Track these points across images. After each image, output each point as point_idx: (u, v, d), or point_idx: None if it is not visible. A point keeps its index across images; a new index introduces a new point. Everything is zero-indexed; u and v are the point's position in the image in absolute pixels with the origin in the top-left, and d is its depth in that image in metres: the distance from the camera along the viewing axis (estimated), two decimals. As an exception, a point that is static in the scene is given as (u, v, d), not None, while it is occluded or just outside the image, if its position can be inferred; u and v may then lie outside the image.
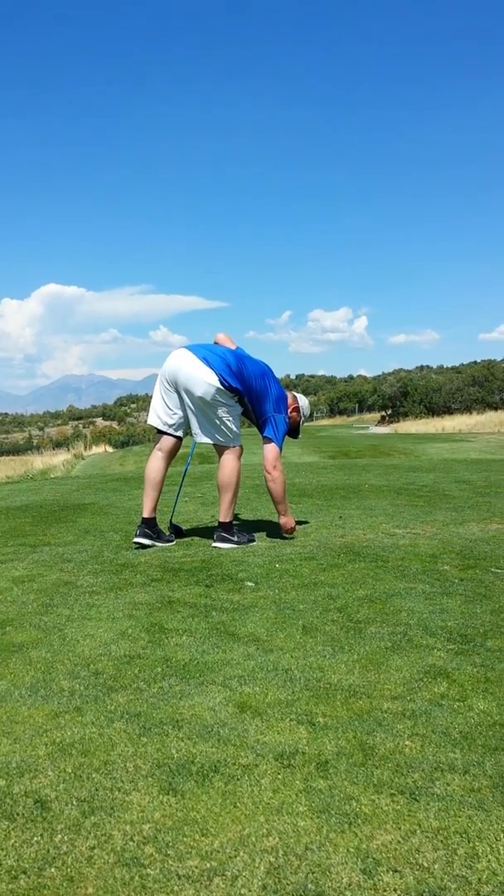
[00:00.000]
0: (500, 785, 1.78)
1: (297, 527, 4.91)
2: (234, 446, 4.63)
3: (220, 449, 4.64)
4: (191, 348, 4.58)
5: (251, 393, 4.59)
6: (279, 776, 1.83)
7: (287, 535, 4.79)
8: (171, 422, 4.63)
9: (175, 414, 4.61)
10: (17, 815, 1.70)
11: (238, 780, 1.82)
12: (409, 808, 1.69)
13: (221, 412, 4.49)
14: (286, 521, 4.79)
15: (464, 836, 1.59)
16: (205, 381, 4.40)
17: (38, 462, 25.26)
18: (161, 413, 4.65)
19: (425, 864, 1.50)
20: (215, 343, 4.80)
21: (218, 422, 4.51)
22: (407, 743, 1.99)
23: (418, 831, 1.61)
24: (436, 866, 1.50)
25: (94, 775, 1.86)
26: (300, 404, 4.99)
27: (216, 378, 4.40)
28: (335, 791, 1.76)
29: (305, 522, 5.27)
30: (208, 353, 4.51)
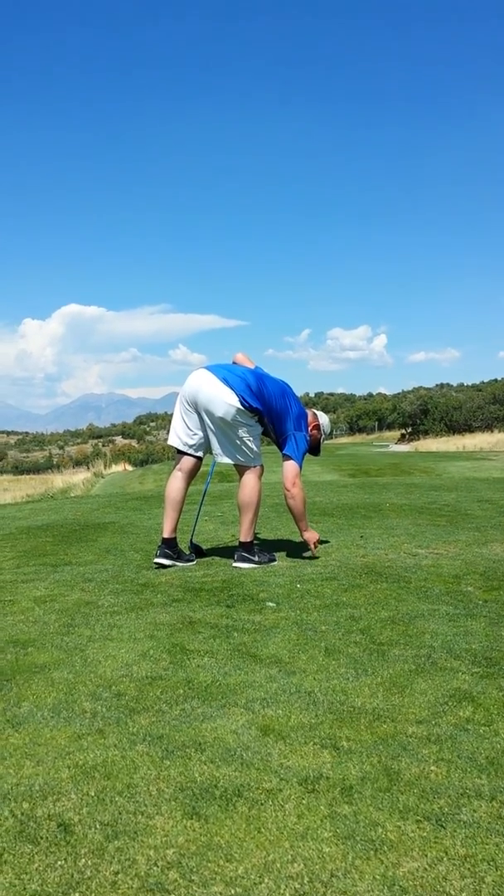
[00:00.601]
0: (529, 812, 1.75)
1: (319, 545, 4.89)
2: (255, 466, 4.63)
3: (240, 469, 4.64)
4: (210, 368, 4.60)
5: (271, 412, 4.59)
6: (303, 801, 1.82)
7: (310, 554, 4.77)
8: (191, 442, 4.64)
9: (195, 434, 4.62)
10: (41, 838, 1.70)
11: (262, 804, 1.81)
12: (435, 834, 1.67)
13: (242, 432, 4.50)
14: (309, 535, 4.78)
15: (491, 863, 1.57)
16: (225, 401, 4.41)
17: (58, 481, 25.41)
18: (181, 433, 4.66)
19: (452, 893, 1.48)
20: (234, 363, 4.82)
21: (238, 442, 4.52)
22: (432, 768, 1.96)
23: (445, 859, 1.59)
24: (463, 894, 1.47)
25: (117, 799, 1.85)
26: (321, 422, 4.98)
27: (236, 398, 4.41)
28: (360, 817, 1.74)
29: (326, 542, 5.25)
30: (228, 374, 4.53)
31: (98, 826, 1.74)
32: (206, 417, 4.52)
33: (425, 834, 1.67)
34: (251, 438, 4.55)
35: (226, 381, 4.47)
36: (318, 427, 4.94)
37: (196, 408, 4.55)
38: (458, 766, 1.98)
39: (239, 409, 4.42)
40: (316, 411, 5.03)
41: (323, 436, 5.01)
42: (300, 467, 4.70)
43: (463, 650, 2.90)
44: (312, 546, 4.77)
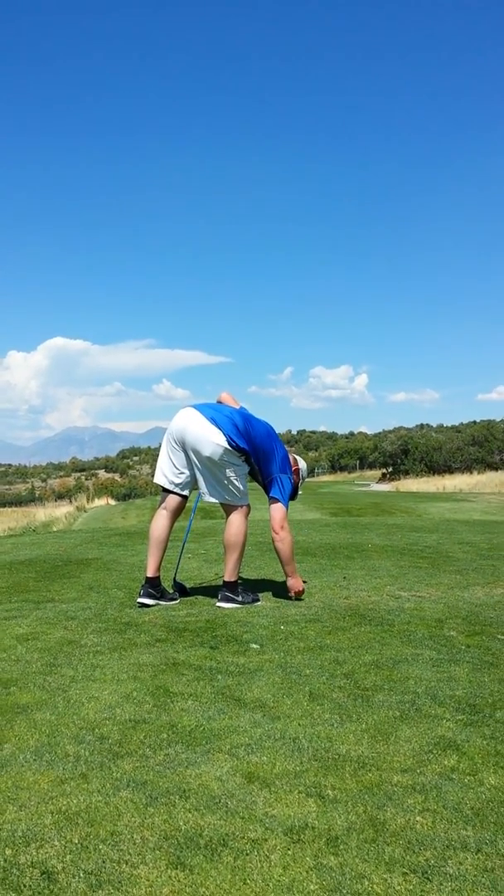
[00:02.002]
0: (514, 865, 1.75)
1: (302, 592, 4.87)
2: (242, 505, 4.64)
3: (227, 508, 4.65)
4: (198, 408, 4.63)
5: (258, 453, 4.62)
6: (289, 852, 1.80)
7: (294, 598, 4.76)
8: (177, 481, 4.65)
9: (182, 473, 4.63)
10: (24, 886, 1.67)
11: (247, 855, 1.79)
12: (421, 887, 1.67)
13: (229, 472, 4.51)
14: (294, 582, 4.77)
15: (478, 919, 1.56)
16: (212, 441, 4.43)
17: (40, 514, 25.23)
18: (167, 472, 4.67)
19: None
20: (219, 402, 4.84)
21: (226, 481, 4.53)
22: (418, 819, 1.96)
23: (432, 913, 1.58)
24: None
25: (100, 846, 1.83)
26: (300, 466, 5.01)
27: (224, 438, 4.44)
28: (346, 869, 1.73)
29: (307, 582, 5.25)
30: (216, 413, 4.55)
31: (82, 875, 1.71)
32: (193, 456, 4.54)
33: (412, 887, 1.67)
34: (238, 478, 4.57)
35: (213, 421, 4.50)
36: (297, 471, 4.96)
37: (183, 446, 4.57)
38: (443, 816, 1.97)
39: (226, 448, 4.44)
40: (295, 455, 5.07)
41: (301, 480, 5.04)
42: (287, 509, 4.71)
43: (447, 696, 2.91)
44: (296, 594, 4.75)
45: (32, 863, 1.76)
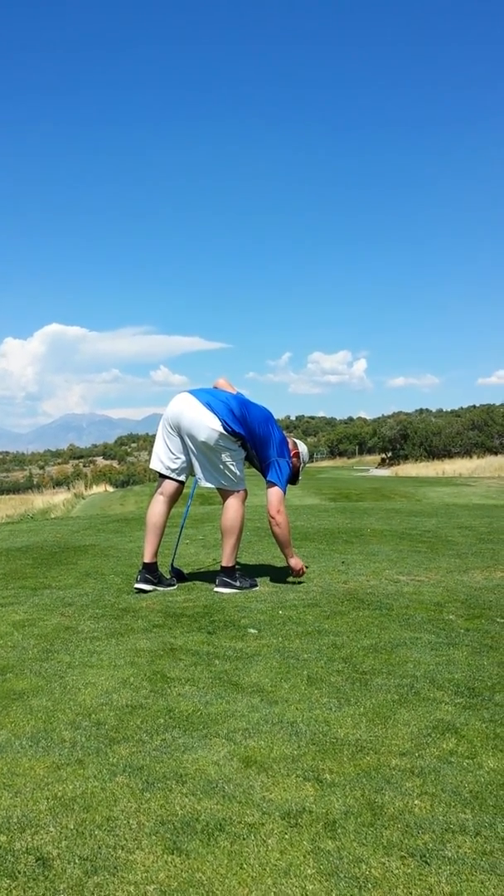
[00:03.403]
0: (513, 848, 1.73)
1: (303, 573, 4.87)
2: (239, 490, 4.62)
3: (223, 493, 4.63)
4: (194, 393, 4.60)
5: (254, 438, 4.59)
6: (286, 836, 1.79)
7: (292, 579, 4.76)
8: (173, 466, 4.62)
9: (178, 458, 4.60)
10: (19, 872, 1.66)
11: (244, 839, 1.78)
12: (420, 871, 1.65)
13: (225, 457, 4.49)
14: (295, 562, 4.77)
15: (477, 902, 1.55)
16: (208, 426, 4.41)
17: (38, 501, 25.23)
18: (164, 457, 4.65)
19: (438, 933, 1.46)
20: (215, 388, 4.81)
21: (222, 466, 4.50)
22: (416, 802, 1.95)
23: (430, 897, 1.57)
24: (449, 935, 1.45)
25: (96, 832, 1.82)
26: (300, 450, 4.98)
27: (219, 423, 4.41)
28: (344, 853, 1.72)
29: (307, 567, 5.23)
30: (211, 398, 4.52)
31: (77, 861, 1.70)
32: (188, 441, 4.51)
33: (410, 871, 1.65)
34: (234, 462, 4.54)
35: (209, 406, 4.47)
36: (297, 455, 4.93)
37: (179, 432, 4.54)
38: (442, 800, 1.96)
39: (222, 433, 4.41)
40: (295, 440, 5.04)
41: (302, 464, 5.01)
42: (284, 493, 4.69)
43: (445, 680, 2.89)
44: (297, 573, 4.76)
45: (27, 849, 1.75)
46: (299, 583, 4.73)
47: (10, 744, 2.34)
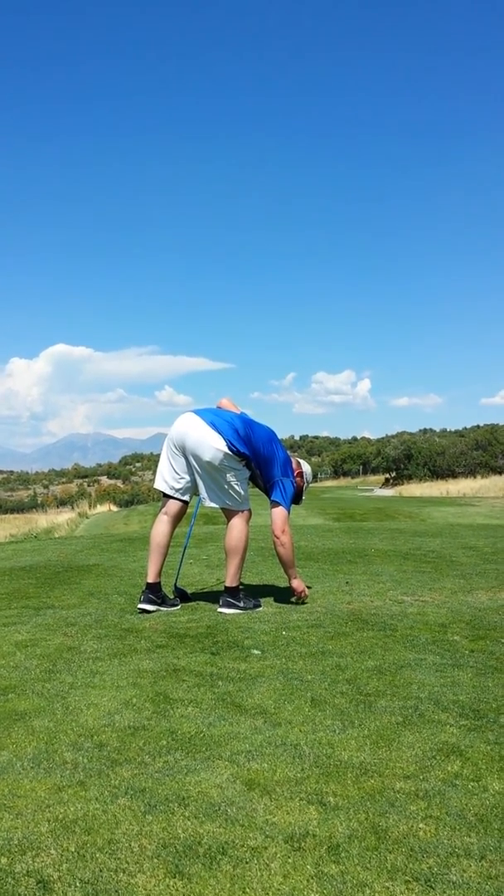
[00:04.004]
0: (519, 873, 1.71)
1: (306, 595, 4.85)
2: (243, 510, 4.61)
3: (228, 513, 4.62)
4: (198, 413, 4.61)
5: (259, 458, 4.59)
6: (289, 860, 1.77)
7: (298, 600, 4.74)
8: (178, 486, 4.62)
9: (182, 479, 4.61)
10: (19, 895, 1.64)
11: (247, 863, 1.76)
12: (424, 895, 1.63)
13: (230, 476, 4.49)
14: (297, 584, 4.75)
15: (482, 928, 1.53)
16: (213, 446, 4.41)
17: (42, 520, 25.20)
18: (168, 478, 4.65)
19: None
20: (219, 408, 4.82)
21: (226, 486, 4.51)
22: (421, 826, 1.93)
23: (435, 923, 1.55)
24: None
25: (98, 855, 1.80)
26: (304, 469, 4.98)
27: (224, 443, 4.41)
28: (347, 877, 1.70)
29: (310, 587, 5.21)
30: (216, 418, 4.53)
31: (78, 884, 1.69)
32: (193, 461, 4.52)
33: (414, 895, 1.63)
34: (238, 482, 4.54)
35: (213, 426, 4.47)
36: (301, 475, 4.93)
37: (184, 451, 4.54)
38: (446, 823, 1.94)
39: (227, 453, 4.41)
40: (299, 459, 5.03)
41: (306, 483, 5.00)
42: (288, 513, 4.68)
43: (450, 702, 2.87)
44: (299, 595, 4.74)
45: (28, 871, 1.73)
46: (303, 603, 4.71)
47: (11, 765, 2.33)
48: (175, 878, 1.70)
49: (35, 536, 16.96)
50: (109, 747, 2.46)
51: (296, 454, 5.49)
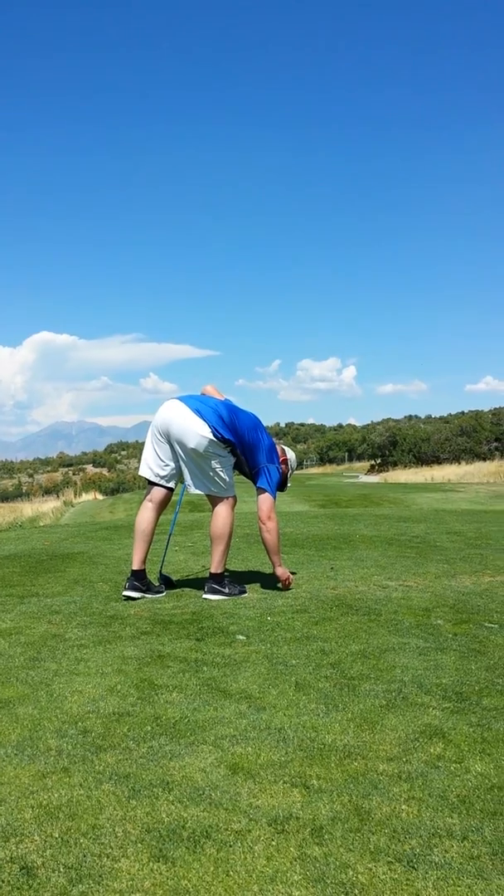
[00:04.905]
0: (500, 852, 1.73)
1: (290, 581, 4.86)
2: (228, 497, 4.61)
3: (213, 500, 4.62)
4: (183, 399, 4.59)
5: (244, 444, 4.58)
6: (273, 842, 1.78)
7: (282, 587, 4.75)
8: (162, 473, 4.61)
9: (167, 465, 4.60)
10: (3, 882, 1.64)
11: (230, 846, 1.77)
12: (406, 876, 1.65)
13: (214, 463, 4.48)
14: (282, 572, 4.75)
15: (464, 907, 1.55)
16: (197, 432, 4.40)
17: (27, 509, 25.10)
18: (152, 464, 4.64)
19: (425, 938, 1.45)
20: (203, 394, 4.80)
21: (211, 473, 4.50)
22: (403, 807, 1.94)
23: (417, 902, 1.56)
24: (436, 940, 1.45)
25: (81, 840, 1.80)
26: (289, 457, 4.98)
27: (209, 430, 4.40)
28: (331, 859, 1.71)
29: (294, 573, 5.23)
30: (200, 405, 4.52)
31: (62, 869, 1.69)
32: (178, 448, 4.50)
33: (397, 876, 1.65)
34: (223, 469, 4.54)
35: (198, 413, 4.46)
36: (286, 461, 4.93)
37: (168, 438, 4.53)
38: (429, 804, 1.96)
39: (211, 440, 4.40)
40: (284, 446, 5.03)
41: (291, 470, 5.01)
42: (274, 499, 4.68)
43: (433, 685, 2.89)
44: (284, 583, 4.74)
45: (11, 858, 1.73)
46: (287, 589, 4.72)
47: (-5, 752, 2.33)
48: (159, 862, 1.71)
49: (20, 525, 16.90)
50: (94, 733, 2.46)
51: (281, 441, 5.49)
